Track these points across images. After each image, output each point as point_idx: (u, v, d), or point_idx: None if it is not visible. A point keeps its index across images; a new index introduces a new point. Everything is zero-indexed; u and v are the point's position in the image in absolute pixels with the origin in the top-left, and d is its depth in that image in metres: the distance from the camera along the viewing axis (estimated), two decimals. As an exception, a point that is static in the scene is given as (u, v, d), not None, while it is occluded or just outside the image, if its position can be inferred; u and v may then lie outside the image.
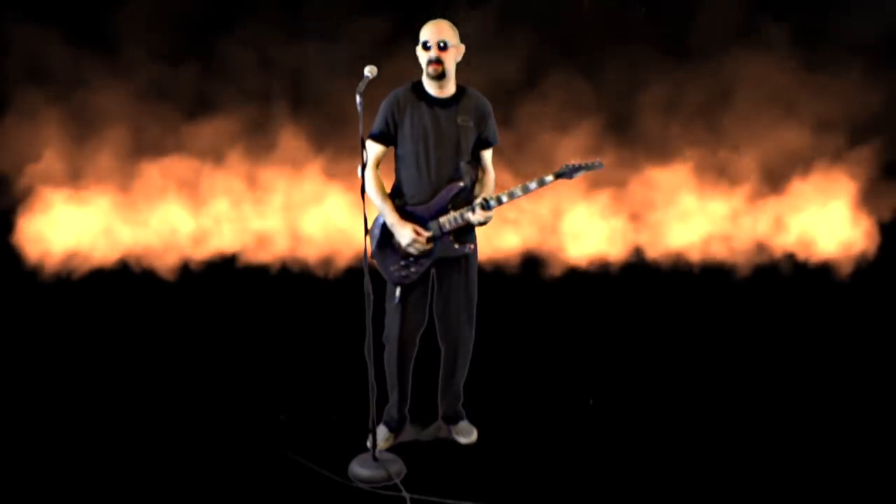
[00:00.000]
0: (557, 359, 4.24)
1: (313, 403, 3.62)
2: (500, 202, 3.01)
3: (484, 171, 3.19)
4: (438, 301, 3.19)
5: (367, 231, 2.91)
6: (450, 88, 3.04)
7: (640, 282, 5.39)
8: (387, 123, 3.02)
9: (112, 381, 3.87)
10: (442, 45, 2.94)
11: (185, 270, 5.46)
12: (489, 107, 3.12)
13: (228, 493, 2.86)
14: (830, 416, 3.46)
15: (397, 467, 2.97)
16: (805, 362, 4.13)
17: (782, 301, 5.01)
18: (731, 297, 5.14)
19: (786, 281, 5.22)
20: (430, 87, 3.03)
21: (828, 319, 4.68)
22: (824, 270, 5.18)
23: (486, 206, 2.99)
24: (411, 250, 3.01)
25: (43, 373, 3.98)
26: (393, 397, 3.27)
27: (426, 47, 2.96)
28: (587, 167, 3.02)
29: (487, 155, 3.18)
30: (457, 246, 3.05)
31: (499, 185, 3.26)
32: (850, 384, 3.83)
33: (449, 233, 3.03)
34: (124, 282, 5.33)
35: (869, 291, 4.95)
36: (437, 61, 2.94)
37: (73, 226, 5.40)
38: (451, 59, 2.98)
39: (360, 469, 2.95)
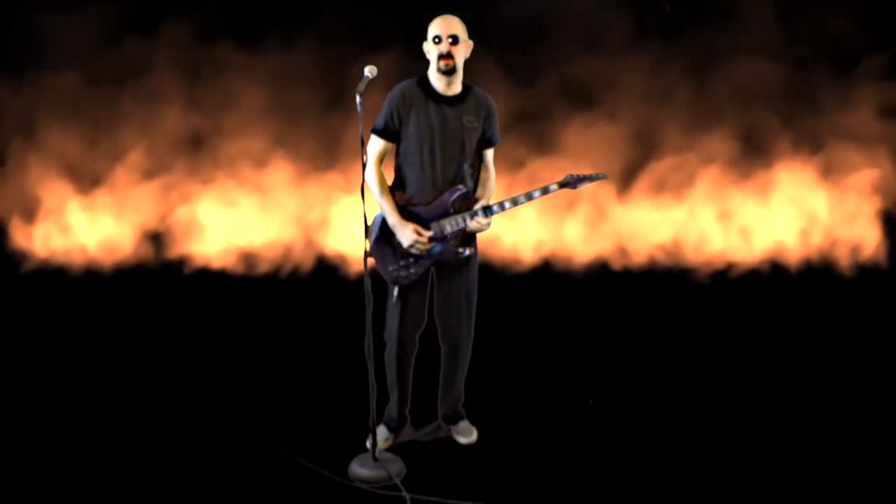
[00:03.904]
0: (557, 359, 4.24)
1: (313, 403, 3.62)
2: (502, 208, 3.00)
3: (485, 170, 3.17)
4: (438, 301, 3.18)
5: (366, 230, 2.91)
6: (457, 86, 3.01)
7: (638, 281, 5.40)
8: (392, 118, 2.99)
9: (113, 381, 3.87)
10: (453, 39, 2.92)
11: (187, 270, 5.47)
12: (494, 106, 3.10)
13: (228, 493, 2.85)
14: (831, 417, 3.47)
15: (397, 467, 2.97)
16: (802, 362, 4.14)
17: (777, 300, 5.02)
18: (728, 297, 5.16)
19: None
20: (438, 84, 2.99)
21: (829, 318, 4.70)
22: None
23: (487, 213, 2.99)
24: (413, 251, 3.01)
25: (43, 372, 3.98)
26: (393, 397, 3.27)
27: (437, 41, 2.92)
28: (591, 178, 3.04)
29: (489, 154, 3.16)
30: (460, 250, 3.05)
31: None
32: (851, 384, 3.84)
33: (450, 235, 3.03)
34: (124, 281, 5.34)
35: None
36: (448, 56, 2.91)
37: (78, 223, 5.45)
38: (461, 54, 2.96)
39: (360, 469, 2.95)
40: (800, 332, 4.54)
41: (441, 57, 2.92)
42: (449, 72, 2.94)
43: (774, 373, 4.00)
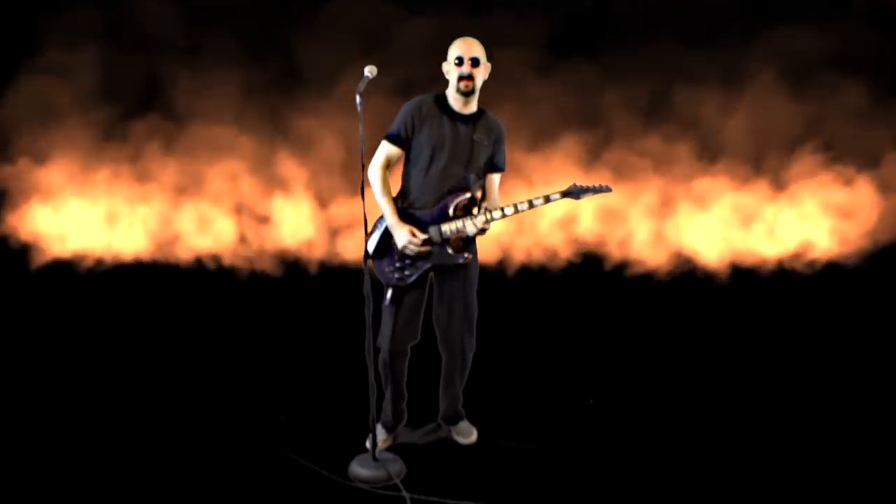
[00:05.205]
0: (557, 359, 4.24)
1: (313, 403, 3.62)
2: (503, 215, 3.00)
3: (491, 189, 3.17)
4: (438, 310, 3.17)
5: (366, 231, 2.92)
6: (472, 106, 3.05)
7: (639, 282, 5.39)
8: (405, 127, 3.02)
9: (113, 381, 3.87)
10: (473, 61, 2.96)
11: (187, 269, 5.47)
12: (504, 132, 3.14)
13: (228, 493, 2.86)
14: (832, 418, 3.46)
15: (397, 467, 2.97)
16: (803, 363, 4.14)
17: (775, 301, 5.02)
18: (730, 297, 5.15)
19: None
20: (455, 104, 3.03)
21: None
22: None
23: (488, 218, 2.99)
24: (407, 251, 3.01)
25: (43, 371, 3.98)
26: (388, 396, 3.26)
27: (459, 63, 2.96)
28: (595, 190, 3.03)
29: (496, 180, 3.18)
30: (451, 252, 3.05)
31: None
32: (849, 384, 3.84)
33: (448, 240, 3.03)
34: (124, 279, 5.34)
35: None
36: (469, 77, 2.95)
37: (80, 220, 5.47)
38: (481, 76, 3.00)
39: (360, 469, 2.95)
40: (798, 332, 4.55)
41: (462, 78, 2.96)
42: (468, 93, 2.97)
43: (773, 374, 4.00)
